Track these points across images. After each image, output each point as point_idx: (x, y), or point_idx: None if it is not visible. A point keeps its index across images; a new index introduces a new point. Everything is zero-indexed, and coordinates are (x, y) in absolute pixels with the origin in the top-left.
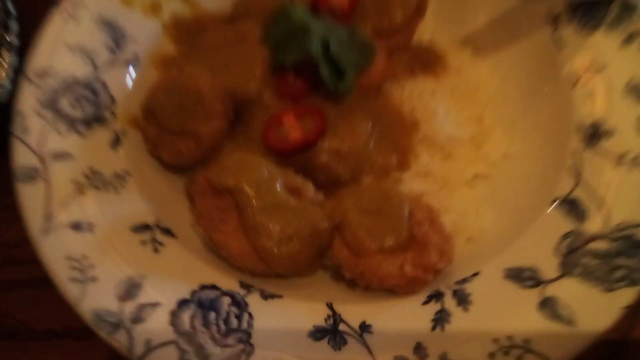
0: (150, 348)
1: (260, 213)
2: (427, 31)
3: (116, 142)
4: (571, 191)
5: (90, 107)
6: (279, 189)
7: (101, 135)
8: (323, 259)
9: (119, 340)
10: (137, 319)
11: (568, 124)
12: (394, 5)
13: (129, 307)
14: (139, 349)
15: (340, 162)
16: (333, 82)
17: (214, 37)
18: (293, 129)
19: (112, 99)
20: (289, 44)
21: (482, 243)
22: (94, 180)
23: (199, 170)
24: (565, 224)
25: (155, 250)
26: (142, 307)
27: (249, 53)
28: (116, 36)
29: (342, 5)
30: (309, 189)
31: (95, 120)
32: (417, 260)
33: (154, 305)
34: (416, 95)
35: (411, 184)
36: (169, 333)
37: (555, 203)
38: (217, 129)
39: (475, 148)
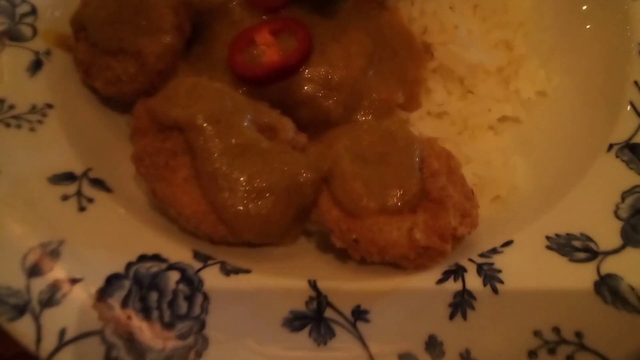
0: (64, 342)
1: (221, 157)
2: None
3: (36, 66)
4: (634, 134)
5: (2, 19)
6: (247, 126)
7: (16, 57)
8: (305, 222)
9: (22, 329)
10: (48, 300)
11: (627, 47)
12: None
13: (39, 285)
14: (48, 342)
15: (329, 95)
16: None
17: None
18: (268, 49)
19: (33, 9)
20: None
21: (514, 203)
22: (3, 114)
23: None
24: (628, 177)
25: (81, 208)
26: (57, 284)
27: None
28: None
29: None
30: (288, 127)
31: (8, 36)
32: (431, 223)
33: (74, 281)
34: (430, 10)
35: (421, 126)
36: (91, 321)
37: (612, 150)
38: (167, 47)
39: (503, 83)
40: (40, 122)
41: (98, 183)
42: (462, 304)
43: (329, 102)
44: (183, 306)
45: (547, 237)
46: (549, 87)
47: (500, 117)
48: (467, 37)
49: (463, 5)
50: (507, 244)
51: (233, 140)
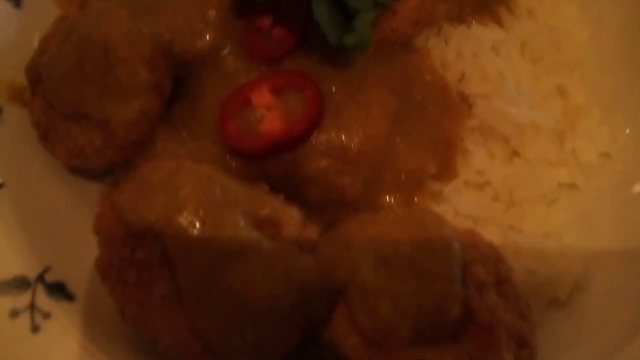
0: None
1: (209, 269)
2: None
3: None
4: None
5: None
6: (242, 224)
7: None
8: (313, 345)
9: None
10: None
11: None
12: None
13: None
14: None
15: (345, 170)
16: (335, 34)
17: None
18: (268, 114)
19: None
20: None
21: (579, 308)
22: None
23: (112, 184)
24: None
25: (35, 327)
26: None
27: None
28: None
29: None
30: (293, 219)
31: None
32: (479, 356)
33: None
34: (468, 52)
35: (458, 201)
36: None
37: None
38: (141, 115)
39: (557, 141)
40: None
41: (57, 289)
42: None
43: (344, 180)
44: None
45: None
46: (613, 147)
47: (555, 186)
48: (515, 90)
49: (509, 45)
50: None
51: (224, 246)
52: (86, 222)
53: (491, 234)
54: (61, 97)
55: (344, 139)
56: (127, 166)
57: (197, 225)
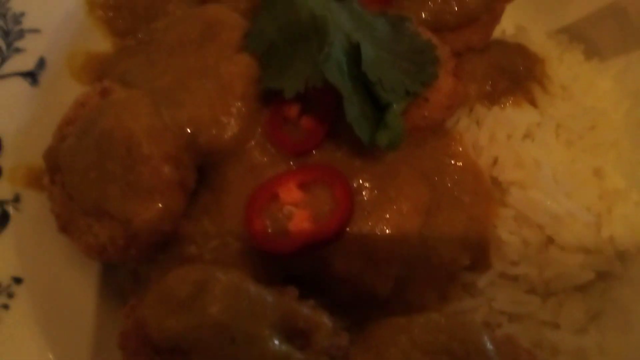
0: None
1: None
2: (511, 19)
3: (1, 222)
4: None
5: None
6: (271, 339)
7: None
8: None
9: None
10: None
11: None
12: None
13: None
14: None
15: (376, 268)
16: (367, 132)
17: (168, 29)
18: (297, 212)
19: None
20: (291, 55)
21: None
22: None
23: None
24: None
25: None
26: None
27: (222, 66)
28: (6, 25)
29: None
30: (324, 329)
31: None
32: None
33: None
34: (502, 136)
35: (493, 294)
36: None
37: None
38: (165, 214)
39: (593, 226)
40: (5, 307)
41: None
42: None
43: (375, 279)
44: None
45: None
46: None
47: (591, 275)
48: (552, 179)
49: (544, 129)
50: None
51: None
52: (108, 318)
53: (527, 332)
54: (81, 193)
55: (375, 237)
56: (150, 261)
57: (226, 342)
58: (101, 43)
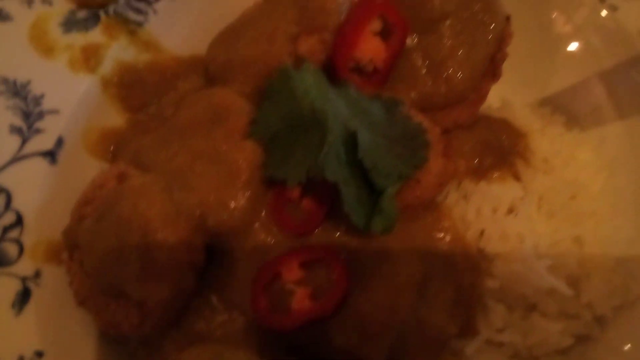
0: None
1: None
2: (497, 92)
3: (23, 298)
4: None
5: None
6: None
7: None
8: None
9: None
10: None
11: None
12: (455, 63)
13: None
14: None
15: (371, 341)
16: (363, 217)
17: (178, 111)
18: (298, 290)
19: (19, 219)
20: (293, 145)
21: None
22: None
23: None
24: None
25: None
26: None
27: (229, 152)
28: (27, 107)
29: (377, 59)
30: None
31: None
32: None
33: None
34: (487, 210)
35: (480, 359)
36: None
37: None
38: (178, 294)
39: (572, 292)
40: None
41: None
42: None
43: (370, 349)
44: None
45: None
46: (628, 298)
47: (571, 340)
48: (534, 252)
49: (527, 202)
50: None
51: None
52: None
53: None
54: (99, 273)
55: (370, 311)
56: (161, 336)
57: None
58: (115, 118)
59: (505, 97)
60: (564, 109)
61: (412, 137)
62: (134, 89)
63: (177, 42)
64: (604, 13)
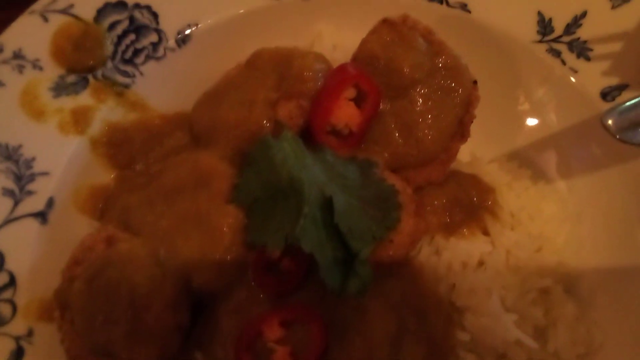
0: None
1: None
2: (466, 147)
3: (17, 357)
4: None
5: None
6: None
7: None
8: None
9: None
10: None
11: None
12: (425, 126)
13: None
14: None
15: None
16: (338, 281)
17: (164, 172)
18: (279, 349)
19: (11, 279)
20: (273, 210)
21: None
22: None
23: None
24: None
25: None
26: None
27: (213, 216)
28: (19, 170)
29: (352, 123)
30: None
31: None
32: None
33: None
34: (457, 265)
35: None
36: None
37: None
38: (164, 352)
39: (541, 339)
40: None
41: None
42: None
43: None
44: None
45: None
46: (592, 346)
47: None
48: (501, 306)
49: (495, 257)
50: None
51: None
52: None
53: None
54: (89, 334)
55: None
56: None
57: None
58: (104, 176)
59: (474, 151)
60: (530, 162)
61: (385, 199)
62: (122, 147)
63: (163, 100)
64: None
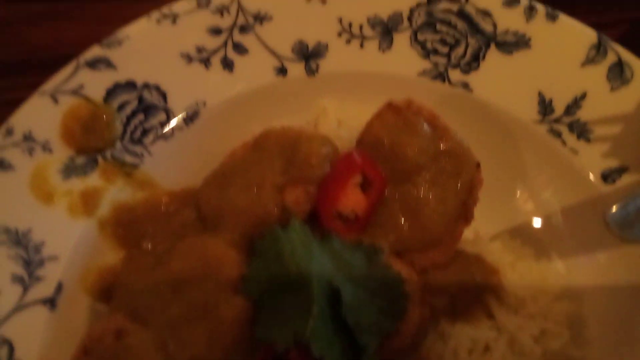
0: None
1: None
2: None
3: None
4: None
5: None
6: None
7: None
8: None
9: None
10: None
11: None
12: (429, 210)
13: None
14: None
15: None
16: None
17: (172, 258)
18: None
19: None
20: (282, 304)
21: None
22: None
23: None
24: None
25: None
26: None
27: (220, 307)
28: (28, 256)
29: (358, 208)
30: None
31: None
32: None
33: None
34: (463, 352)
35: None
36: None
37: None
38: None
39: None
40: None
41: None
42: None
43: None
44: None
45: None
46: None
47: None
48: None
49: (500, 344)
50: None
51: None
52: None
53: None
54: None
55: None
56: None
57: None
58: (112, 256)
59: (477, 228)
60: (533, 240)
61: (392, 288)
62: (130, 227)
63: (171, 177)
64: None
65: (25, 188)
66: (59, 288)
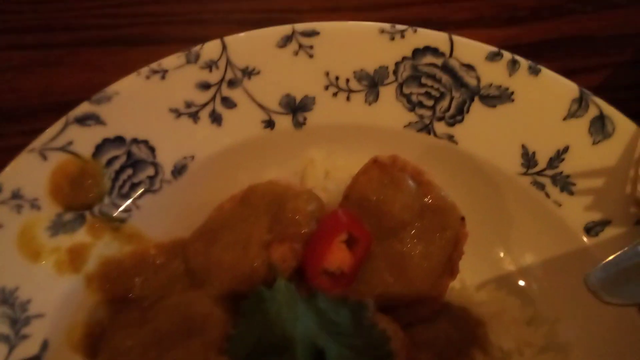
0: None
1: None
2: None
3: None
4: None
5: None
6: None
7: None
8: None
9: None
10: None
11: None
12: (414, 266)
13: None
14: None
15: None
16: None
17: (158, 314)
18: None
19: None
20: None
21: None
22: None
23: None
24: None
25: None
26: None
27: None
28: (14, 314)
29: (344, 265)
30: None
31: None
32: None
33: None
34: None
35: None
36: None
37: None
38: None
39: None
40: None
41: None
42: None
43: None
44: None
45: None
46: None
47: None
48: None
49: None
50: None
51: None
52: None
53: None
54: None
55: None
56: None
57: None
58: (98, 311)
59: (463, 277)
60: (517, 290)
61: (378, 347)
62: (117, 281)
63: (159, 230)
64: None
65: (12, 246)
66: (45, 346)
